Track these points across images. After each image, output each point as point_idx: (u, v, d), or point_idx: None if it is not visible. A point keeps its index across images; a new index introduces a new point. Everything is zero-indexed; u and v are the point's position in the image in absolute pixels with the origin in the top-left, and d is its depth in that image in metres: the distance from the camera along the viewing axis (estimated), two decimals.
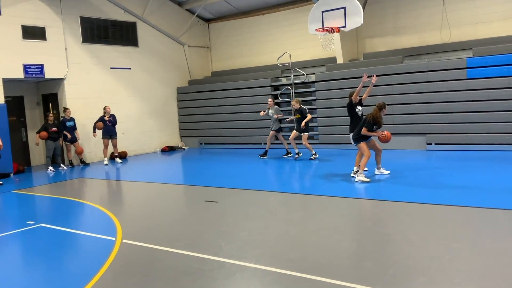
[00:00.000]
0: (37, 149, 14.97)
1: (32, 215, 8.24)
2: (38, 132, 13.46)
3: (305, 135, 12.09)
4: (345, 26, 11.12)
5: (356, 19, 10.97)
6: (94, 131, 14.18)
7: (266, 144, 13.36)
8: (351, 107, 9.71)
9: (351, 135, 9.39)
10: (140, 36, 16.69)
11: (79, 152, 14.19)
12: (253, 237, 5.87)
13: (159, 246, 5.70)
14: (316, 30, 11.39)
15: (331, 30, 11.13)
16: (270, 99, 13.50)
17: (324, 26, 11.31)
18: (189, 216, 7.49)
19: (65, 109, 14.01)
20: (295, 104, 12.22)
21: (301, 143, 12.36)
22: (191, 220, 7.12)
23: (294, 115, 12.43)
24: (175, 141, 18.06)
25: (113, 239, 6.16)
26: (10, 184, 11.57)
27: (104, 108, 14.32)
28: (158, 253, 5.48)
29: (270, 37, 17.29)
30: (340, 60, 14.48)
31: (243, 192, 8.79)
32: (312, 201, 7.83)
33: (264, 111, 13.39)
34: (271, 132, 13.13)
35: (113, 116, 14.41)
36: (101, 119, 14.25)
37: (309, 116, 12.06)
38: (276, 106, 13.36)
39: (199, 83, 18.06)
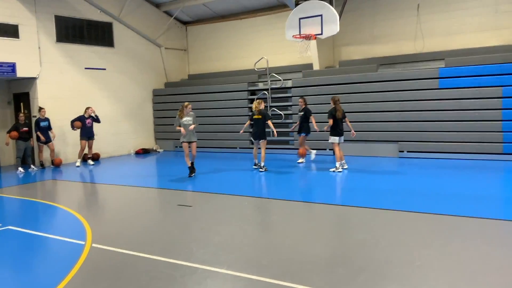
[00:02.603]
0: (7, 149, 14.59)
1: (1, 217, 8.01)
2: (8, 132, 13.14)
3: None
4: (321, 34, 11.23)
5: (332, 27, 11.10)
6: (73, 128, 13.97)
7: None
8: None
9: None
10: (116, 36, 16.49)
11: (52, 150, 13.94)
12: (226, 242, 5.84)
13: (130, 251, 5.62)
14: (293, 36, 11.47)
15: (308, 37, 11.21)
16: (187, 102, 10.81)
17: (301, 33, 11.39)
18: (162, 221, 7.40)
19: (40, 108, 13.73)
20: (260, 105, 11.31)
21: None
22: (164, 225, 7.05)
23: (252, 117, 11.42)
24: (150, 143, 17.88)
25: (83, 243, 6.04)
26: None
27: (87, 109, 14.12)
28: (129, 258, 5.40)
29: (248, 41, 17.33)
30: (316, 67, 14.62)
31: (217, 196, 8.75)
32: (285, 206, 7.85)
33: (180, 125, 10.59)
34: (194, 143, 10.76)
35: (96, 117, 14.26)
36: (81, 118, 14.01)
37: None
38: (192, 112, 10.79)
39: (175, 86, 17.94)
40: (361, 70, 13.56)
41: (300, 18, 11.46)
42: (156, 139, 18.11)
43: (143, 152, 17.08)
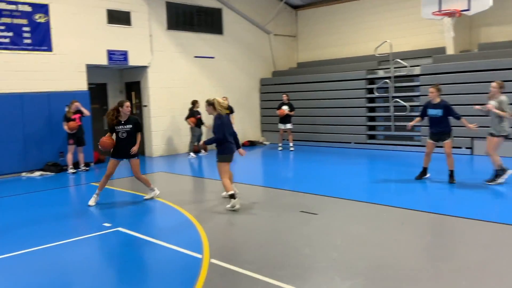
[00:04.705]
0: None
1: (110, 215, 7.46)
2: (186, 118, 13.51)
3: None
4: (469, 9, 9.37)
5: (483, 1, 9.17)
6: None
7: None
8: None
9: None
10: (225, 23, 15.78)
11: None
12: (378, 269, 4.55)
13: (256, 273, 4.54)
14: (432, 13, 9.72)
15: (452, 13, 9.41)
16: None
17: (442, 9, 9.60)
18: (286, 232, 6.08)
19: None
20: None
21: None
22: (289, 238, 5.76)
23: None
24: (256, 135, 17.06)
25: (200, 256, 5.13)
26: (90, 176, 11.09)
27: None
28: (258, 284, 4.34)
29: (365, 24, 15.69)
30: (450, 51, 12.57)
31: (344, 203, 7.46)
32: (434, 221, 6.34)
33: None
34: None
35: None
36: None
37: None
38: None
39: (283, 75, 16.88)
40: (509, 54, 11.33)
41: None
42: (263, 131, 17.24)
43: (249, 144, 16.29)
